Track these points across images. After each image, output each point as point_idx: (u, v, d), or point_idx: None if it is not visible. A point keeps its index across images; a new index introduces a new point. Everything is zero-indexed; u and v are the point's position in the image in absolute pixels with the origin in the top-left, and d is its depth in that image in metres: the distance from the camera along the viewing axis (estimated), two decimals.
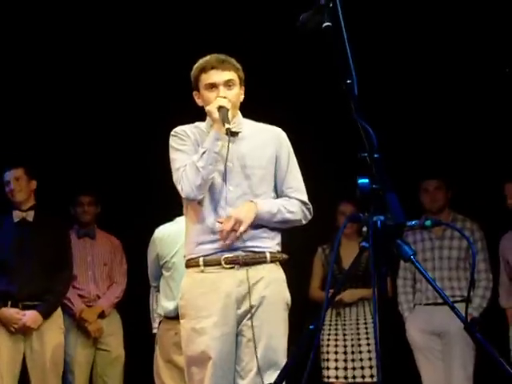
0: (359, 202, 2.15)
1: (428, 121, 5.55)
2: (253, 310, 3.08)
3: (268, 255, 3.15)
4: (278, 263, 3.20)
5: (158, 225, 4.41)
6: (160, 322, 4.35)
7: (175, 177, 3.15)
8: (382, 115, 5.35)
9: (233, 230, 3.03)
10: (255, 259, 3.12)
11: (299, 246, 3.24)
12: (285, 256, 3.24)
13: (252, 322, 3.06)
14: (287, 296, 3.22)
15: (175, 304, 4.14)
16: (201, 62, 3.21)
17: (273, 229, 3.19)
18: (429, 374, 4.85)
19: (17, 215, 4.91)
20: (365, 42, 4.71)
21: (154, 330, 5.09)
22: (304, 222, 3.27)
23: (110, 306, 5.42)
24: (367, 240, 2.16)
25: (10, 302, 4.73)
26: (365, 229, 2.19)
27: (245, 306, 3.09)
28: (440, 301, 4.72)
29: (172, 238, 4.21)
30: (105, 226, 5.67)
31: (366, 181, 2.14)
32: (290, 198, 3.22)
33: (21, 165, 4.96)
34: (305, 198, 3.25)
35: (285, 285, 3.23)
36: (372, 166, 2.14)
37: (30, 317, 4.73)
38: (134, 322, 5.36)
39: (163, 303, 4.25)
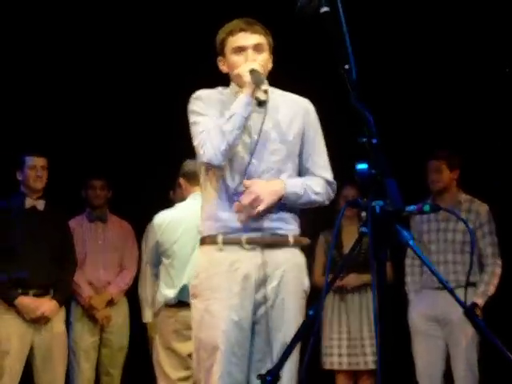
0: (360, 187, 2.15)
1: (435, 99, 5.53)
2: (272, 297, 2.90)
3: (291, 239, 2.97)
4: (299, 248, 3.03)
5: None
6: (160, 310, 4.32)
7: (197, 141, 2.89)
8: (392, 95, 5.38)
9: (251, 205, 2.85)
10: (278, 242, 2.94)
11: (302, 231, 3.13)
12: (307, 240, 3.07)
13: (271, 311, 2.90)
14: (306, 283, 3.03)
15: (175, 292, 4.14)
16: (228, 25, 2.99)
17: (294, 208, 2.99)
18: (422, 357, 4.78)
19: (29, 202, 4.89)
20: (363, 27, 4.71)
21: (145, 320, 5.12)
22: (327, 202, 3.08)
23: (120, 293, 5.38)
24: (366, 225, 2.16)
25: (20, 290, 4.73)
26: (364, 214, 2.19)
27: (263, 291, 2.90)
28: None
29: (172, 224, 4.17)
30: (116, 211, 5.65)
31: (365, 166, 2.13)
32: (315, 175, 3.03)
33: (45, 155, 4.93)
34: (330, 176, 3.06)
35: (305, 271, 3.04)
36: (371, 151, 2.14)
37: (47, 306, 4.72)
38: (137, 309, 5.38)
39: (163, 291, 4.21)
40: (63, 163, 5.58)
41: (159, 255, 4.26)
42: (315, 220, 4.96)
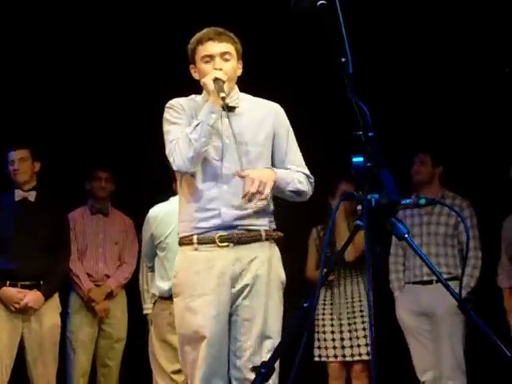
0: (356, 180, 2.16)
1: (435, 98, 5.54)
2: (247, 289, 3.03)
3: (263, 233, 3.09)
4: (273, 241, 3.14)
5: None
6: (155, 302, 4.34)
7: (167, 149, 3.06)
8: (384, 91, 5.38)
9: (258, 192, 2.92)
10: (250, 237, 3.06)
11: (294, 225, 3.17)
12: (280, 234, 3.18)
13: (247, 302, 3.03)
14: (282, 275, 3.15)
15: (170, 284, 4.14)
16: (198, 34, 3.13)
17: (267, 206, 3.12)
18: (419, 353, 4.84)
19: (19, 194, 4.88)
20: (360, 20, 4.71)
21: (145, 311, 5.12)
22: (309, 194, 3.19)
23: (119, 286, 5.36)
24: (362, 218, 2.17)
25: (8, 282, 4.71)
26: (359, 207, 2.20)
27: (239, 285, 3.03)
28: (427, 278, 4.74)
29: (166, 218, 4.17)
30: (118, 205, 5.60)
31: (361, 159, 2.14)
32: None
33: (26, 146, 4.91)
34: (308, 171, 3.19)
35: (280, 263, 3.17)
36: (366, 144, 2.14)
37: (31, 297, 4.70)
38: (133, 301, 5.38)
39: (158, 283, 4.22)
40: (66, 156, 5.57)
41: (154, 248, 4.27)
42: (307, 215, 4.99)
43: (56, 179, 5.02)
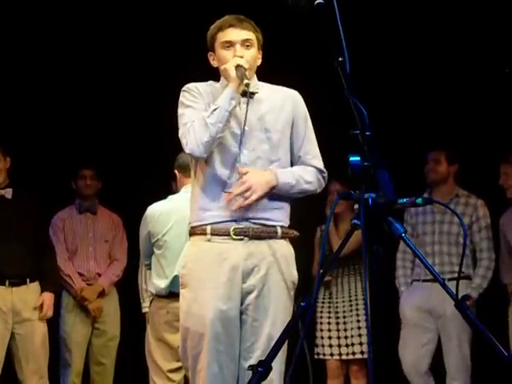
0: (350, 180, 2.15)
1: (436, 97, 5.54)
2: (259, 287, 2.93)
3: (279, 230, 3.00)
4: (287, 239, 3.05)
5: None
6: (152, 301, 4.32)
7: (181, 131, 2.96)
8: (394, 87, 5.38)
9: (243, 196, 2.88)
10: (266, 233, 2.97)
11: (300, 223, 3.14)
12: (296, 233, 3.08)
13: (258, 301, 2.94)
14: (295, 274, 3.05)
15: (167, 282, 4.14)
16: (218, 21, 3.05)
17: (284, 200, 3.03)
18: (411, 349, 4.77)
19: None
20: (359, 18, 4.71)
21: (144, 310, 5.11)
22: (319, 190, 3.12)
23: (110, 284, 5.38)
24: (359, 218, 2.17)
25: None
26: (356, 206, 2.19)
27: (251, 281, 2.93)
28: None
29: (164, 216, 4.16)
30: (105, 203, 5.62)
31: (358, 158, 2.14)
32: (306, 164, 3.07)
33: None
34: (321, 165, 3.10)
35: (293, 263, 3.06)
36: (364, 143, 2.14)
37: (49, 301, 4.79)
38: (129, 300, 5.38)
39: (155, 281, 4.19)
40: (53, 154, 5.55)
41: (151, 246, 4.24)
42: (313, 213, 4.98)
43: (43, 179, 5.00)
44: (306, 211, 3.57)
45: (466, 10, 5.23)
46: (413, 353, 4.80)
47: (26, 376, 4.77)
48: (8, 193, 4.87)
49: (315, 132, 3.14)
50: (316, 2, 2.24)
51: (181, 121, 3.00)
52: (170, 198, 4.28)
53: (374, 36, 5.17)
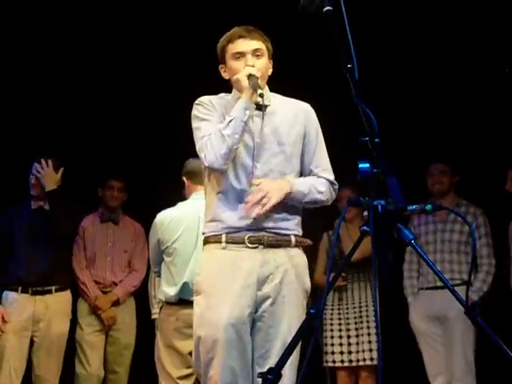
0: (359, 187, 2.15)
1: (437, 108, 5.57)
2: (274, 295, 2.95)
3: (293, 239, 3.03)
4: (301, 248, 3.08)
5: None
6: (161, 308, 4.32)
7: (198, 145, 2.99)
8: (393, 99, 5.41)
9: (260, 203, 2.90)
10: (280, 242, 2.99)
11: (306, 231, 3.14)
12: (309, 242, 3.12)
13: (273, 308, 2.95)
14: (308, 283, 3.08)
15: (176, 289, 4.14)
16: (228, 33, 3.08)
17: (296, 210, 3.06)
18: (431, 358, 4.90)
19: (35, 203, 4.95)
20: (367, 26, 4.72)
21: (153, 316, 5.12)
22: (330, 202, 3.14)
23: (126, 294, 5.34)
24: (368, 224, 2.16)
25: (20, 288, 4.81)
26: (366, 213, 2.19)
27: (266, 289, 2.95)
28: (440, 284, 4.76)
29: (174, 223, 4.17)
30: (129, 211, 5.61)
31: (367, 165, 2.14)
32: (318, 176, 3.10)
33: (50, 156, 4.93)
34: (333, 177, 3.13)
35: (307, 272, 3.09)
36: (373, 150, 2.14)
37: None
38: (140, 306, 5.38)
39: (164, 288, 4.20)
40: (80, 163, 5.58)
41: (161, 253, 4.25)
42: (319, 220, 4.98)
43: (70, 186, 5.03)
44: (310, 217, 3.58)
45: (465, 11, 5.24)
46: (430, 361, 4.88)
47: (37, 383, 4.82)
48: (47, 204, 4.92)
49: (325, 139, 3.15)
50: (325, 9, 2.25)
51: (197, 135, 3.03)
52: (179, 205, 4.28)
53: (376, 46, 5.17)
